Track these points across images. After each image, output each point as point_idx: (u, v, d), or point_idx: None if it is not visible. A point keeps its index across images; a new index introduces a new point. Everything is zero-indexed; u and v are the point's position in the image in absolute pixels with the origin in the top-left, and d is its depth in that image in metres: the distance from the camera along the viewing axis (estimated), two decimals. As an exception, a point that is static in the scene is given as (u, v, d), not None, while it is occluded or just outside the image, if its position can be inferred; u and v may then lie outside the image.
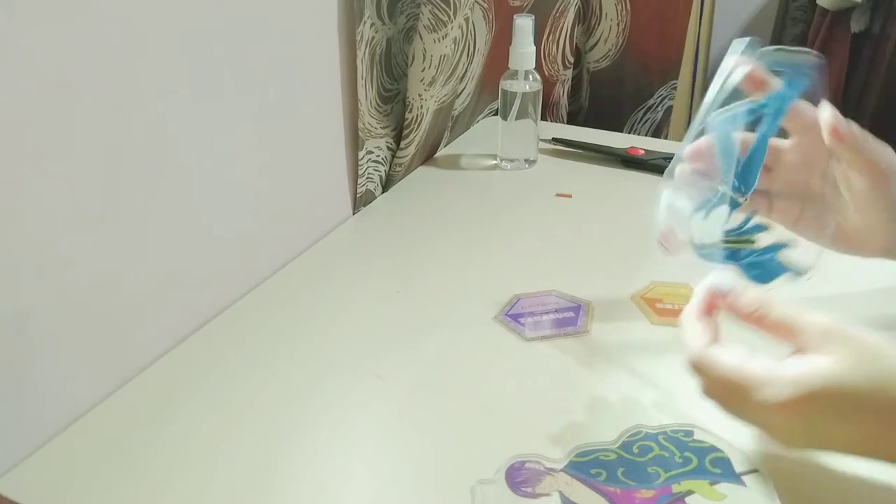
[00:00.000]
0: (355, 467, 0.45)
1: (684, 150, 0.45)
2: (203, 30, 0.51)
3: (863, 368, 0.35)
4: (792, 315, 0.38)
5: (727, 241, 0.43)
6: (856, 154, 0.44)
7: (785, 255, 0.44)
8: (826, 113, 0.43)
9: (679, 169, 0.46)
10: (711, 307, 0.41)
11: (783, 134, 0.46)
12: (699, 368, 0.39)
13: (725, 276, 0.41)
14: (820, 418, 0.36)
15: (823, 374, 0.35)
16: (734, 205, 0.43)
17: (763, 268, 0.43)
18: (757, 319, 0.39)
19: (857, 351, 0.35)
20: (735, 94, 0.43)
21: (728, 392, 0.38)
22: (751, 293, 0.40)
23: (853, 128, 0.43)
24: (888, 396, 0.35)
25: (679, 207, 0.44)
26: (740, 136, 0.44)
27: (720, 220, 0.43)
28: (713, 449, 0.44)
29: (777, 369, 0.36)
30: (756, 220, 0.45)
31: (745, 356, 0.38)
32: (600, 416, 0.48)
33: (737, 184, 0.43)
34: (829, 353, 0.35)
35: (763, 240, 0.44)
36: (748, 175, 0.43)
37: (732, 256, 0.43)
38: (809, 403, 0.35)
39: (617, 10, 1.10)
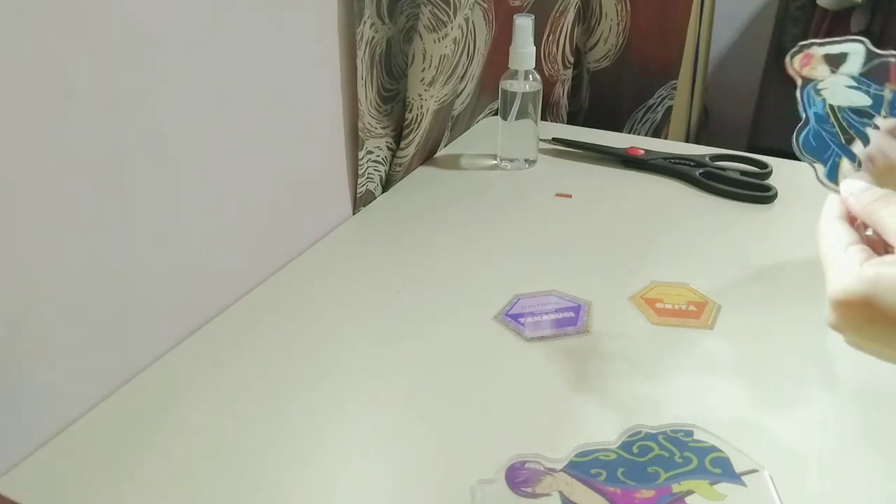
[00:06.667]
0: (355, 467, 0.45)
1: None
2: (203, 30, 0.51)
3: None
4: None
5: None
6: None
7: None
8: None
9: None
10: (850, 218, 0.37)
11: None
12: (816, 235, 0.37)
13: (855, 181, 0.38)
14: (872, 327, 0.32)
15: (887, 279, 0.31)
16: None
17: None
18: (868, 213, 0.35)
19: None
20: None
21: (823, 266, 0.35)
22: (871, 192, 0.36)
23: None
24: None
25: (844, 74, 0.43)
26: None
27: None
28: (713, 449, 0.44)
29: (854, 261, 0.33)
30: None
31: (848, 242, 0.34)
32: (600, 416, 0.48)
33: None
34: None
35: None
36: None
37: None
38: (861, 307, 0.32)
39: (617, 10, 1.10)
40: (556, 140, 0.88)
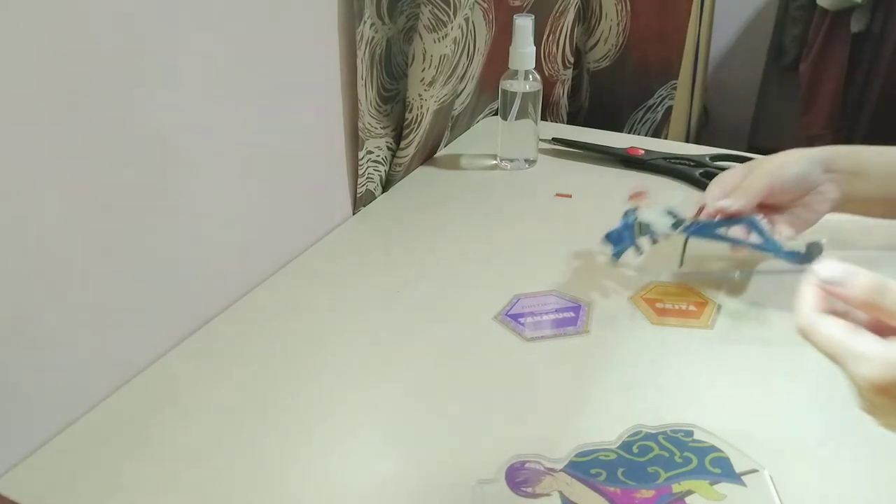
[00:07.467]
0: (355, 467, 0.45)
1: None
2: (203, 30, 0.51)
3: None
4: None
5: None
6: None
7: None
8: None
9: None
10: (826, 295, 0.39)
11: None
12: (804, 334, 0.38)
13: (832, 265, 0.38)
14: None
15: None
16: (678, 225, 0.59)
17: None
18: (871, 306, 0.37)
19: None
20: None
21: (832, 359, 0.37)
22: (863, 278, 0.37)
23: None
24: None
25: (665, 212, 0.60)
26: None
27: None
28: (713, 449, 0.44)
29: (877, 346, 0.35)
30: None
31: (851, 329, 0.36)
32: (600, 416, 0.48)
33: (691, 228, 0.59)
34: None
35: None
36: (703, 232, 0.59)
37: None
38: None
39: (617, 10, 1.10)
40: (556, 140, 0.88)
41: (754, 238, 0.57)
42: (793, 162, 0.58)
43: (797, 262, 0.55)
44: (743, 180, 0.59)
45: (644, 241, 0.59)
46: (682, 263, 0.61)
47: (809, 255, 0.54)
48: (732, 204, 0.56)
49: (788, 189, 0.58)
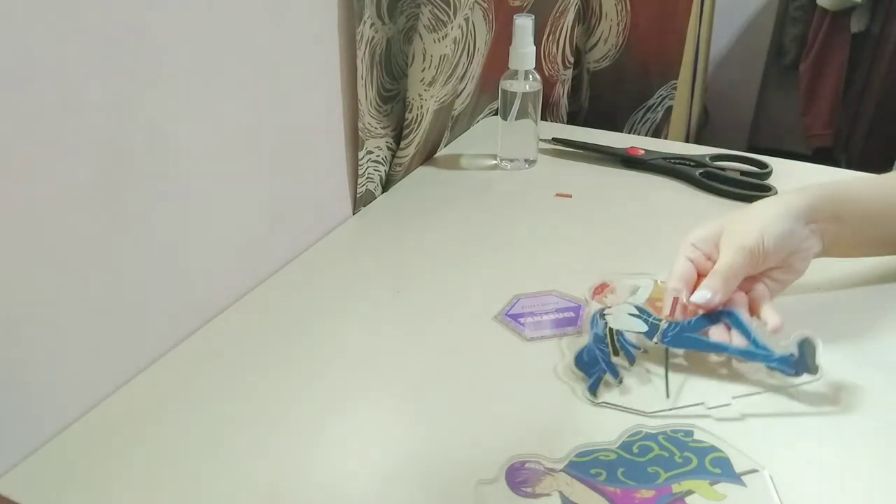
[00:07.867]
0: (355, 467, 0.45)
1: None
2: (203, 30, 0.51)
3: None
4: None
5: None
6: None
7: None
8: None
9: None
10: None
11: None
12: None
13: None
14: None
15: None
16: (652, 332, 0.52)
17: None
18: None
19: None
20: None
21: None
22: None
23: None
24: None
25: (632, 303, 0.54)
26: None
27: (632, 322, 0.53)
28: (713, 449, 0.44)
29: None
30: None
31: None
32: (600, 416, 0.48)
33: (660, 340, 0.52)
34: None
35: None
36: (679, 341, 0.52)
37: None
38: None
39: (617, 10, 1.10)
40: (556, 140, 0.88)
41: (738, 340, 0.50)
42: (774, 224, 0.51)
43: (791, 371, 0.48)
44: (715, 245, 0.52)
45: (621, 364, 0.51)
46: (668, 393, 0.49)
47: (803, 357, 0.48)
48: (713, 298, 0.49)
49: (771, 257, 0.51)
